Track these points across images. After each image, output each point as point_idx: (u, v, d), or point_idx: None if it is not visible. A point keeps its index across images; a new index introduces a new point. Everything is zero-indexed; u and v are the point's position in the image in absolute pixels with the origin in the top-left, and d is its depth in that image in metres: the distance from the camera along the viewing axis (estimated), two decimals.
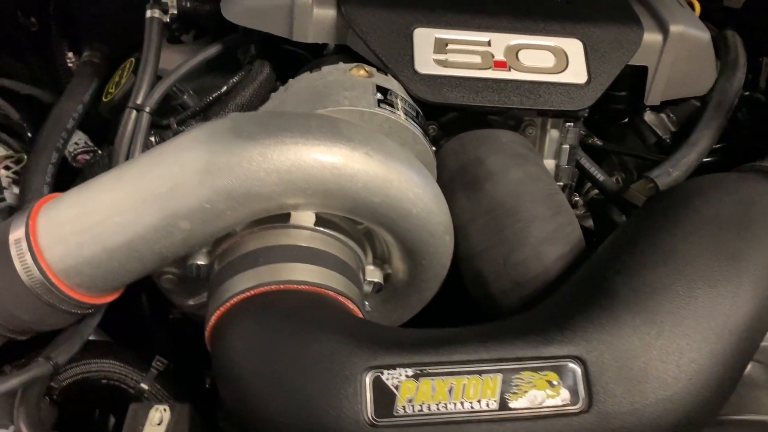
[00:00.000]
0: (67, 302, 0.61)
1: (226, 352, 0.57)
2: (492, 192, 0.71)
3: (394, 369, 0.53)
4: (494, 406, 0.53)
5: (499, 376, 0.54)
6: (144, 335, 0.87)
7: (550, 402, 0.54)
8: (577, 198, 0.96)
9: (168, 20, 0.86)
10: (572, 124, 0.82)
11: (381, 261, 0.71)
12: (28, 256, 0.59)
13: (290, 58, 0.85)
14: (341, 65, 0.76)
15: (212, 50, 0.86)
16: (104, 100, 0.89)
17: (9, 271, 0.59)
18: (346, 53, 0.80)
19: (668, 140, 0.94)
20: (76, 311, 0.63)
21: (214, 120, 0.63)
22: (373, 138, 0.62)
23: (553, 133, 0.83)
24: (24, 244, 0.59)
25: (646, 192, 0.79)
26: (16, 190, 0.82)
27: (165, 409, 0.61)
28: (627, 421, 0.53)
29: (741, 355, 0.57)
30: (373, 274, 0.69)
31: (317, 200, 0.61)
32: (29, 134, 0.92)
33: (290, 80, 0.77)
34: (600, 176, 0.87)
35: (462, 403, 0.53)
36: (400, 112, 0.71)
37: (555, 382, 0.54)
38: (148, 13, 0.84)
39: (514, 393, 0.54)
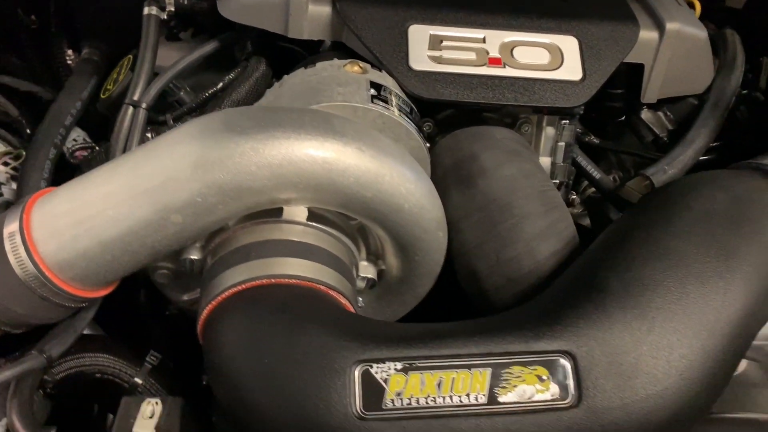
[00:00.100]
0: (60, 295, 0.61)
1: (217, 345, 0.57)
2: (485, 188, 0.71)
3: (383, 363, 0.54)
4: (483, 400, 0.53)
5: (489, 371, 0.54)
6: (141, 331, 0.87)
7: (539, 397, 0.54)
8: (574, 196, 0.96)
9: (165, 17, 0.87)
10: (568, 121, 0.82)
11: (374, 257, 0.71)
12: (21, 250, 0.59)
13: (286, 55, 0.86)
14: (335, 61, 0.76)
15: (208, 47, 0.86)
16: (102, 96, 0.90)
17: (3, 264, 0.59)
18: (341, 50, 0.80)
19: (665, 138, 0.94)
20: (70, 305, 0.63)
21: (207, 115, 0.63)
22: (365, 133, 0.62)
23: (549, 131, 0.83)
24: (18, 238, 0.59)
25: (641, 189, 0.79)
26: (14, 185, 0.82)
27: (157, 403, 0.62)
28: (617, 417, 0.53)
29: (732, 352, 0.57)
30: (367, 270, 0.70)
31: (309, 195, 0.61)
32: (28, 131, 0.92)
33: (285, 76, 0.77)
34: (596, 174, 0.87)
35: (451, 397, 0.53)
36: (394, 108, 0.72)
37: (544, 377, 0.54)
38: (146, 10, 0.85)
39: (504, 387, 0.54)
